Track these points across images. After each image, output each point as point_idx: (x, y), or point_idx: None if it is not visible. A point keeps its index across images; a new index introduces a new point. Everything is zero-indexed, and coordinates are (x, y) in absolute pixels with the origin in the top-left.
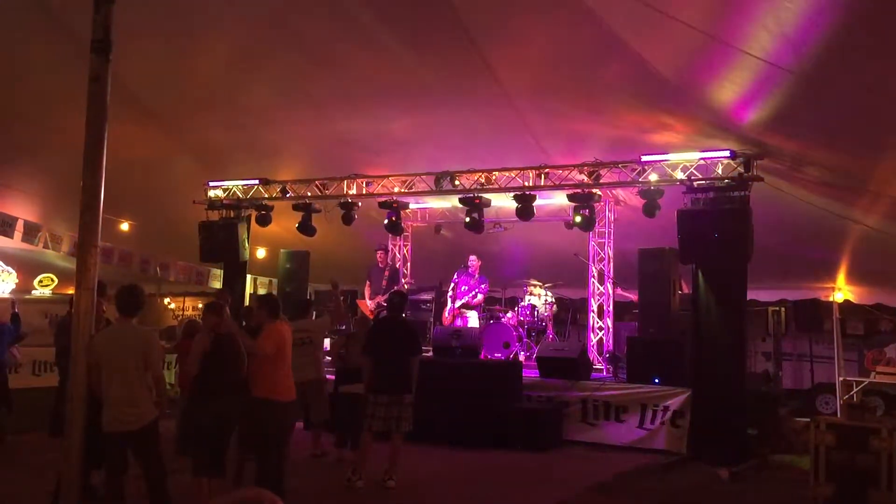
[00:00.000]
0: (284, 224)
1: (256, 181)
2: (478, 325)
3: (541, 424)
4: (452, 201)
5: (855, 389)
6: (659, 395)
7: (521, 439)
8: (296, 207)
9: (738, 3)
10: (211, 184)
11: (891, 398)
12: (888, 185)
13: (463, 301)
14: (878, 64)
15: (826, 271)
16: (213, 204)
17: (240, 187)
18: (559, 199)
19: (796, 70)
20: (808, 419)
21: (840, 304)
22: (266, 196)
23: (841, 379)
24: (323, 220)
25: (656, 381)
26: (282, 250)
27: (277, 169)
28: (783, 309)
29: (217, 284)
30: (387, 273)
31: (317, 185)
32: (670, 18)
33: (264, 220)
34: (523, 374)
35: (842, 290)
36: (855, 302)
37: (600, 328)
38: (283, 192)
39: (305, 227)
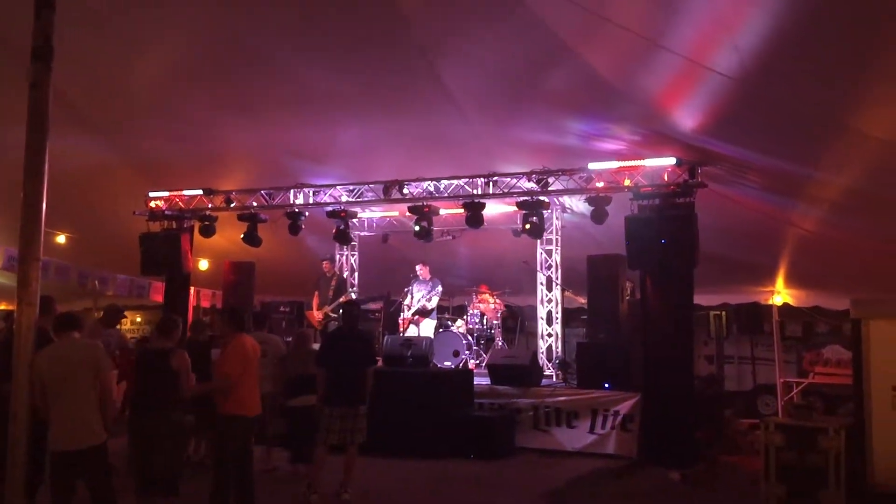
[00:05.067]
0: (228, 235)
1: (200, 191)
2: (433, 334)
3: (494, 432)
4: (400, 210)
5: (795, 390)
6: (609, 399)
7: (474, 448)
8: (241, 217)
9: (684, 11)
10: (152, 195)
11: (829, 398)
12: (824, 189)
13: (418, 307)
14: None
15: (766, 275)
16: (155, 215)
17: (182, 198)
18: (507, 207)
19: (739, 77)
20: (753, 420)
21: (779, 308)
22: (210, 206)
23: (781, 380)
24: (269, 231)
25: (606, 386)
26: (226, 261)
27: (221, 179)
28: (724, 313)
29: (158, 298)
30: (333, 283)
31: (262, 195)
32: (616, 26)
33: (208, 231)
34: (475, 382)
35: (781, 294)
36: (793, 305)
37: (549, 335)
38: (228, 202)
39: (251, 238)
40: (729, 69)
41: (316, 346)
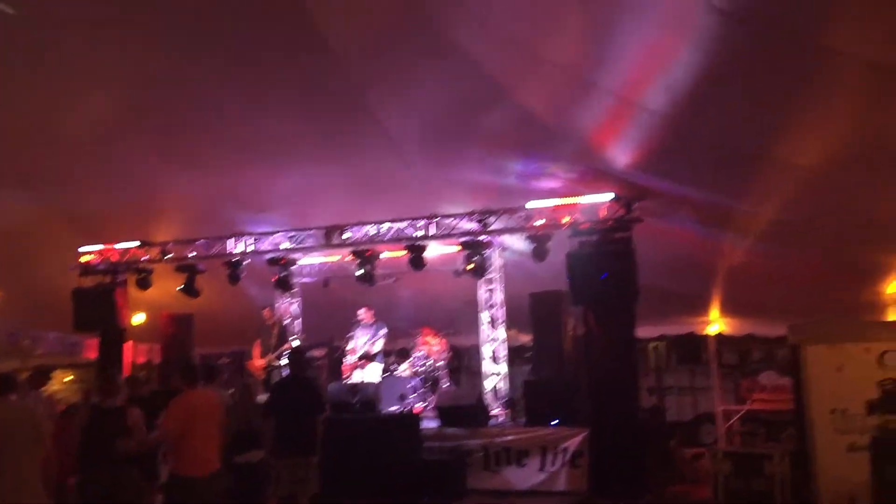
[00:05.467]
0: (165, 287)
1: (134, 243)
2: (379, 378)
3: (444, 475)
4: (341, 254)
5: (734, 418)
6: (558, 436)
7: (426, 492)
8: (179, 269)
9: (618, 51)
10: (84, 249)
11: (768, 424)
12: (753, 219)
13: (362, 352)
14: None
15: (701, 305)
16: (88, 269)
17: (116, 251)
18: (447, 248)
19: (669, 113)
20: (697, 449)
21: (716, 337)
22: (145, 258)
23: (721, 408)
24: (207, 280)
25: (554, 422)
26: (164, 314)
27: (157, 229)
28: (663, 344)
29: (92, 355)
30: (275, 331)
31: (200, 245)
32: (550, 66)
33: (144, 284)
34: (424, 425)
35: (717, 323)
36: (729, 333)
37: (495, 373)
38: (164, 253)
39: (190, 289)
40: (660, 105)
41: (260, 398)
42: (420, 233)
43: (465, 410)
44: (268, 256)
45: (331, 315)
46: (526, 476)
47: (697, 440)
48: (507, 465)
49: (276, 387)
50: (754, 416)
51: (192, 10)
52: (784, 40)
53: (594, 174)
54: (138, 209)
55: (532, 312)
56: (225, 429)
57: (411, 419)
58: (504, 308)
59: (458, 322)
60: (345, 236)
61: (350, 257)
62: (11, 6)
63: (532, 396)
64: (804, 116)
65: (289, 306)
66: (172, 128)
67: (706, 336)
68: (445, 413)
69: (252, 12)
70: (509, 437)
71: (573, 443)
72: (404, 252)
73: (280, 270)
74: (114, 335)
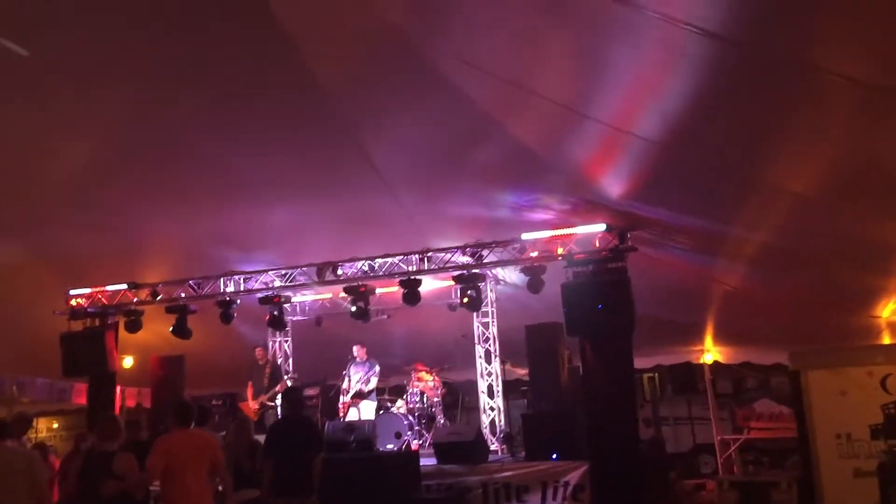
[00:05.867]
0: (154, 329)
1: (124, 285)
2: (374, 416)
3: None
4: (333, 291)
5: (733, 447)
6: (558, 470)
7: None
8: (169, 310)
9: (609, 79)
10: (73, 292)
11: (767, 452)
12: (744, 246)
13: (356, 390)
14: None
15: (695, 334)
16: (76, 313)
17: (105, 293)
18: (441, 283)
19: (661, 141)
20: (697, 480)
21: (710, 366)
22: (135, 300)
23: (719, 438)
24: (197, 321)
25: (554, 456)
26: (154, 356)
27: (147, 271)
28: (657, 374)
29: (81, 400)
30: (268, 371)
31: (191, 285)
32: (540, 97)
33: (134, 326)
34: (421, 463)
35: (711, 352)
36: (723, 362)
37: (492, 408)
38: (154, 294)
39: (181, 330)
40: (652, 134)
41: (257, 437)
42: (413, 267)
43: (463, 447)
44: (260, 295)
45: (323, 353)
46: None
47: (696, 471)
48: (507, 501)
49: (274, 428)
50: (752, 444)
51: (177, 51)
52: (775, 62)
53: (587, 205)
54: (126, 251)
55: (528, 345)
56: (224, 470)
57: (410, 457)
58: (498, 342)
59: (452, 357)
60: (338, 273)
61: (342, 294)
62: (22, 47)
63: (531, 430)
64: (796, 139)
65: (281, 345)
66: (158, 168)
67: (702, 365)
68: (443, 450)
69: (238, 49)
70: (509, 473)
71: (574, 476)
72: (397, 288)
73: (272, 309)
74: (104, 379)
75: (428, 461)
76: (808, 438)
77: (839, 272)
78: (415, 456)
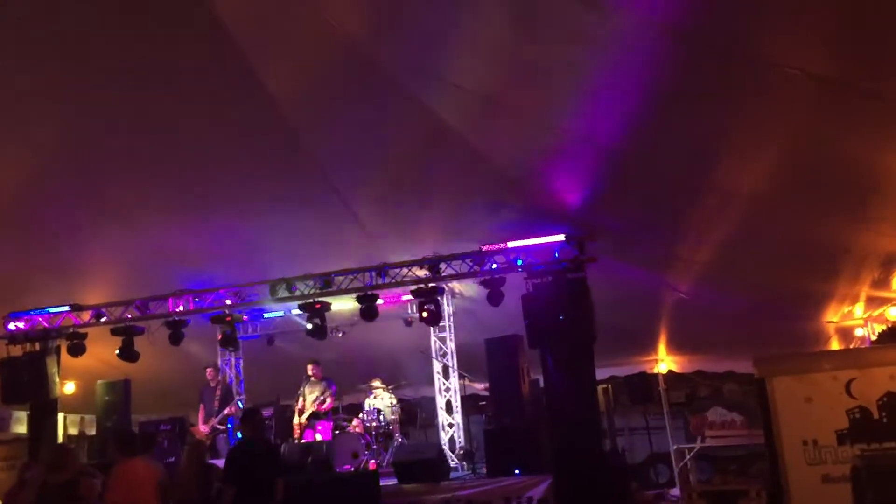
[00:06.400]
0: (97, 353)
1: (66, 308)
2: (331, 436)
3: None
4: (285, 310)
5: (688, 456)
6: (521, 486)
7: None
8: (115, 332)
9: (568, 88)
10: (11, 315)
11: (719, 460)
12: (697, 252)
13: (311, 410)
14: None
15: (649, 344)
16: (16, 338)
17: (46, 316)
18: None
19: (618, 147)
20: (656, 490)
21: (664, 375)
22: (78, 323)
23: (674, 447)
24: (145, 343)
25: (517, 472)
26: (98, 381)
27: (90, 292)
28: (610, 386)
29: (21, 429)
30: (219, 392)
31: (137, 306)
32: (500, 107)
33: (77, 350)
34: (380, 483)
35: (664, 361)
36: (677, 371)
37: (451, 424)
38: (98, 316)
39: (128, 353)
40: (608, 140)
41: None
42: (370, 282)
43: (424, 465)
44: (211, 314)
45: (276, 373)
46: None
47: (650, 481)
48: None
49: (236, 452)
50: (707, 453)
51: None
52: (726, 55)
53: (547, 215)
54: (67, 271)
55: (488, 358)
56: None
57: (368, 477)
58: (456, 356)
59: (409, 373)
60: (291, 290)
61: (295, 312)
62: None
63: (492, 446)
64: (746, 137)
65: (232, 366)
66: (101, 187)
67: (656, 375)
68: (403, 469)
69: (186, 64)
70: (471, 490)
71: (538, 491)
72: (354, 303)
73: (224, 328)
74: (46, 407)
75: (387, 480)
76: (775, 445)
77: (788, 278)
78: (374, 476)
